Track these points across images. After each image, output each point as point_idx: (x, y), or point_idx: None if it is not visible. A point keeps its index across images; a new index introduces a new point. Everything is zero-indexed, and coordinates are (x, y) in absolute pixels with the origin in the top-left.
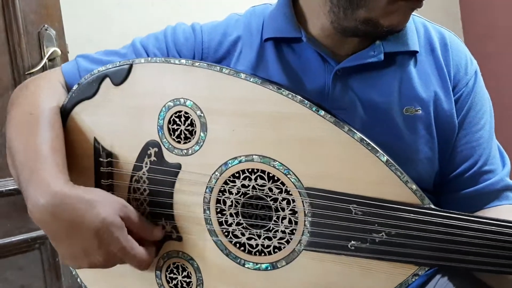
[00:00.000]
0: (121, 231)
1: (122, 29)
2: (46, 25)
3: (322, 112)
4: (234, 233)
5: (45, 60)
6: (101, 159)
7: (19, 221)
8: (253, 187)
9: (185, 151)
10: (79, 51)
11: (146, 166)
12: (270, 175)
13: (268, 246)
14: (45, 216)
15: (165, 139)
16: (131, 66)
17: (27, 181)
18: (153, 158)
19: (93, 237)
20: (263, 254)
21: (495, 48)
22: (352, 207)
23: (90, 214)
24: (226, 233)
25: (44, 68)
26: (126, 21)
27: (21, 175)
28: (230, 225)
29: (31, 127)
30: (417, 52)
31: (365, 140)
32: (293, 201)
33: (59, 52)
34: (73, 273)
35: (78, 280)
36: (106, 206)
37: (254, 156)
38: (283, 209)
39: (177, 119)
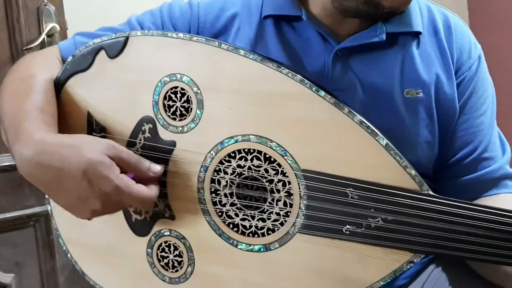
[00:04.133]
0: (110, 169)
1: (124, 6)
2: (45, 1)
3: (322, 93)
4: (228, 213)
5: (43, 35)
6: (94, 134)
7: (14, 197)
8: (249, 168)
9: (180, 128)
10: (79, 27)
11: (140, 143)
12: (267, 156)
13: (262, 228)
14: (32, 167)
15: (160, 116)
16: (127, 38)
17: (13, 138)
18: (147, 134)
19: (82, 180)
20: (256, 235)
21: (501, 39)
22: (348, 190)
23: (75, 157)
24: (220, 213)
25: (42, 44)
26: None
27: (8, 135)
28: (224, 205)
29: (23, 92)
30: (420, 33)
31: (365, 123)
32: (289, 183)
33: (58, 28)
34: (64, 248)
35: (69, 255)
36: (91, 146)
37: (250, 136)
38: (278, 191)
39: (173, 95)
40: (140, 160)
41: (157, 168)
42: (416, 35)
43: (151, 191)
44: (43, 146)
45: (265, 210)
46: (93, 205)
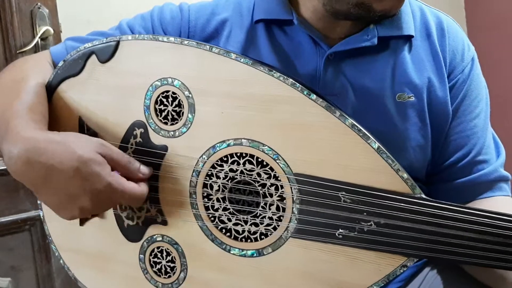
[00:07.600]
0: (102, 167)
1: (118, 10)
2: (39, 4)
3: (314, 96)
4: (221, 218)
5: (37, 39)
6: None
7: (9, 201)
8: (241, 172)
9: (172, 132)
10: (73, 30)
11: (131, 147)
12: (259, 159)
13: (255, 233)
14: (20, 165)
15: (151, 120)
16: (118, 43)
17: (2, 137)
18: (138, 139)
19: (73, 178)
20: (249, 240)
21: (498, 40)
22: (341, 194)
23: (65, 154)
24: (212, 218)
25: (36, 47)
26: (122, 1)
27: None
28: (217, 210)
29: (14, 93)
30: (412, 36)
31: (357, 126)
32: (282, 187)
33: (52, 31)
34: (56, 254)
35: (61, 261)
36: (81, 144)
37: (243, 140)
38: (271, 195)
39: (164, 99)
40: (130, 161)
41: (146, 169)
42: (408, 38)
43: (142, 188)
44: (32, 143)
45: (258, 214)
46: (82, 203)
